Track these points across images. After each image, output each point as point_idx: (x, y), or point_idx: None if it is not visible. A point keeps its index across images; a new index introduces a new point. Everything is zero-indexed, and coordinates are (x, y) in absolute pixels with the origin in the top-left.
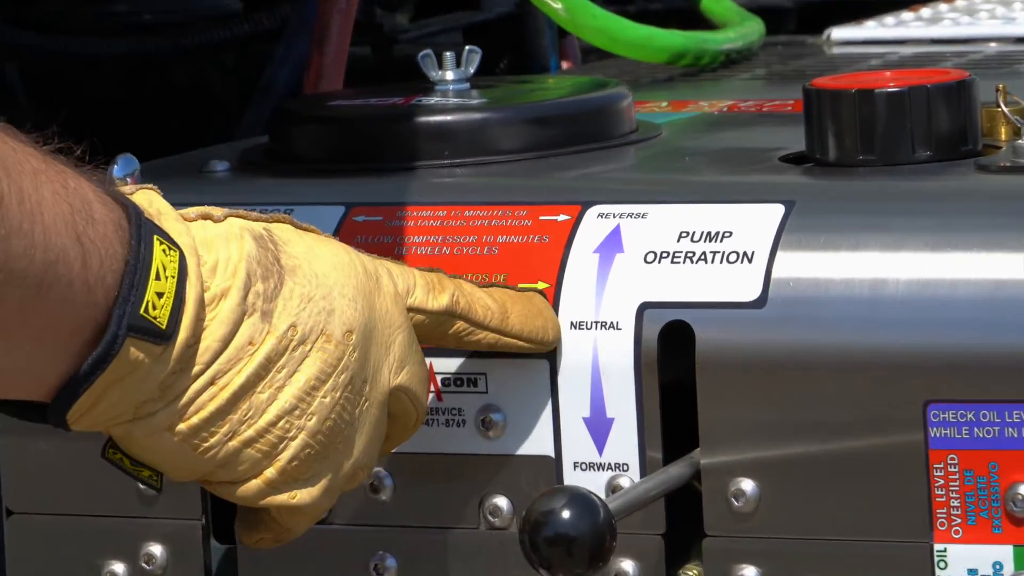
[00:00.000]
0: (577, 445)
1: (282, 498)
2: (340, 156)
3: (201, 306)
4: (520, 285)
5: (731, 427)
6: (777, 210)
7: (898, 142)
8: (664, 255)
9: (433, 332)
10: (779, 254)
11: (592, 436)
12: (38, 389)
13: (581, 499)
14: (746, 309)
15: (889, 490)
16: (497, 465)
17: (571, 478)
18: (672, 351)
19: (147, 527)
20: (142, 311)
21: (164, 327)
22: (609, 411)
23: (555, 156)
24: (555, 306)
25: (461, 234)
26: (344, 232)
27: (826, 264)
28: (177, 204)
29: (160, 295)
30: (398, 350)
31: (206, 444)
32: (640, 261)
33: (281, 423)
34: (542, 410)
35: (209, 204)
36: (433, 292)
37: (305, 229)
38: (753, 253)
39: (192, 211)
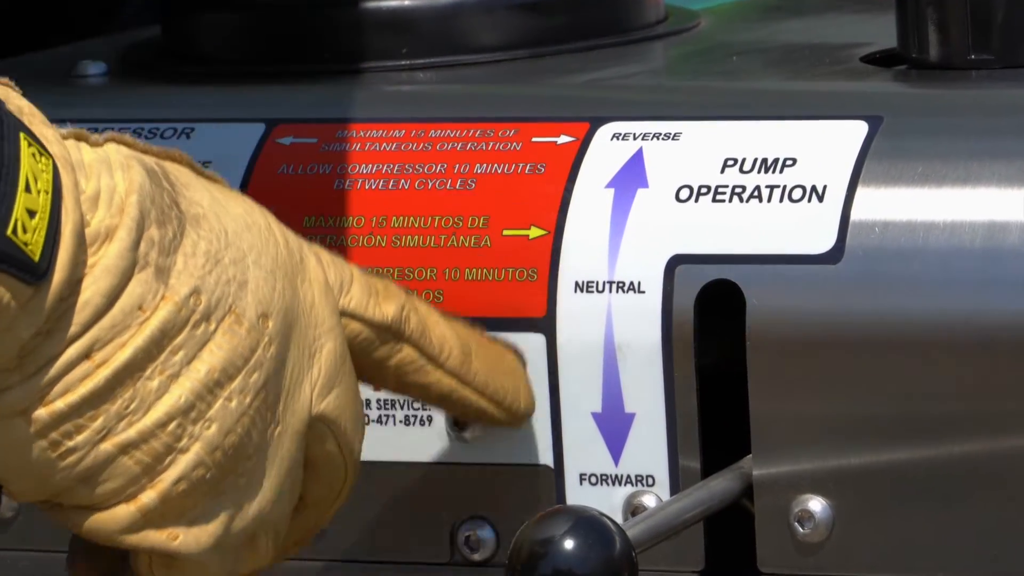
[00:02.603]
0: (584, 451)
1: (159, 537)
2: (259, 55)
3: (80, 243)
4: (498, 340)
5: (794, 426)
6: (858, 129)
7: None
8: (703, 191)
9: (368, 358)
10: (860, 190)
11: (605, 439)
12: None
13: (590, 524)
14: (815, 265)
15: (1014, 512)
16: (476, 479)
17: (576, 495)
18: (714, 322)
19: None
20: (10, 232)
21: (37, 258)
22: (628, 404)
23: (554, 55)
24: (555, 260)
25: (425, 161)
26: (265, 159)
27: (924, 203)
28: None
29: (32, 214)
30: (325, 363)
31: (70, 443)
32: (670, 199)
33: (172, 426)
34: (536, 403)
35: (78, 121)
36: (376, 298)
37: (209, 177)
38: (825, 188)
39: (60, 131)
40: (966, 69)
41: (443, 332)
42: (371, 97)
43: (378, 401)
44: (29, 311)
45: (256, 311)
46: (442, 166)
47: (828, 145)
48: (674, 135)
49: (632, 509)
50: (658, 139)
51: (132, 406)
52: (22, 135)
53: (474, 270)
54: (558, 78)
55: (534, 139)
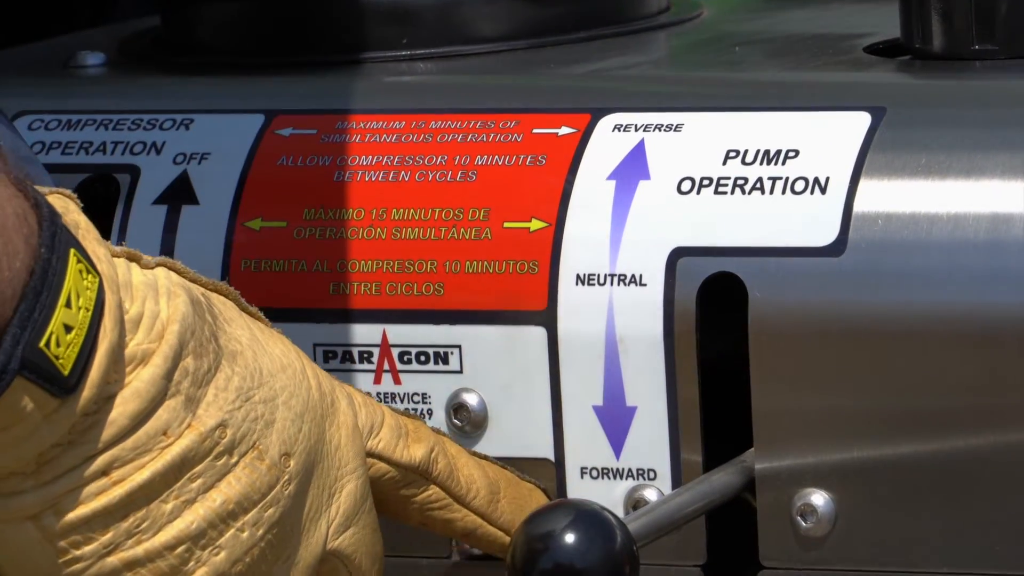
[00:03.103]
0: (585, 444)
1: None
2: (258, 46)
3: (115, 363)
4: (526, 479)
5: (796, 420)
6: (861, 120)
7: None
8: (705, 183)
9: (393, 495)
10: (863, 182)
11: (606, 432)
12: None
13: (591, 518)
14: (818, 257)
15: (1017, 506)
16: None
17: (577, 489)
18: (716, 314)
19: None
20: (43, 344)
21: (67, 373)
22: (629, 398)
23: (555, 45)
24: (556, 252)
25: (425, 153)
26: (264, 150)
27: (928, 195)
28: (36, 112)
29: (68, 329)
30: (345, 502)
31: (76, 552)
32: (672, 191)
33: (180, 549)
34: (537, 396)
35: (76, 112)
36: (405, 440)
37: (252, 315)
38: (828, 180)
39: (113, 248)
40: (970, 60)
41: (471, 472)
42: (371, 88)
43: (378, 395)
44: (52, 422)
45: (279, 450)
46: (442, 158)
47: (831, 136)
48: (676, 126)
49: (633, 503)
50: (660, 130)
51: (143, 526)
52: (72, 251)
53: (474, 262)
54: (559, 69)
55: (535, 130)
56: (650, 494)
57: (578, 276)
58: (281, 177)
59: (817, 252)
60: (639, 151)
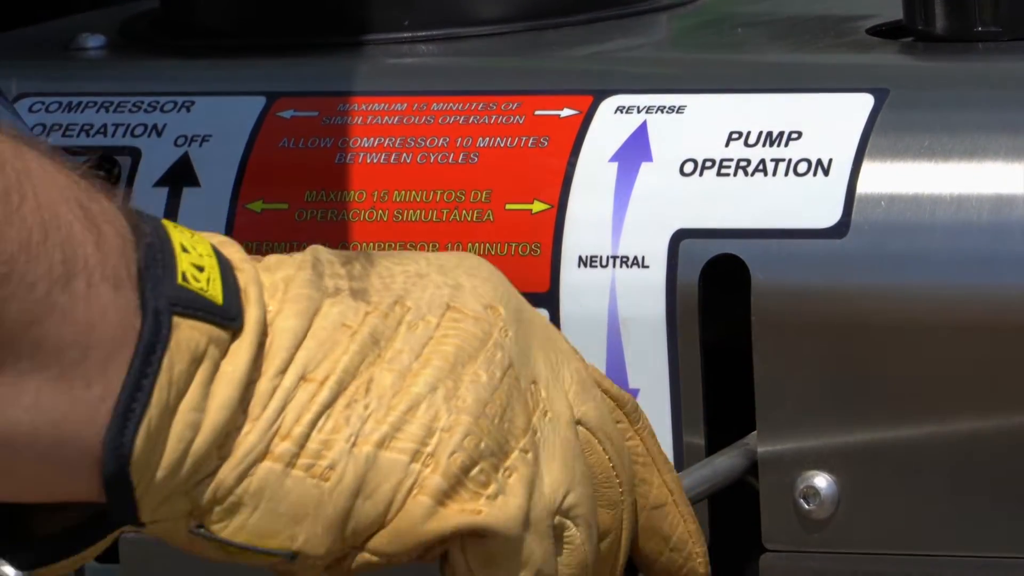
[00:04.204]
0: None
1: (461, 516)
2: (259, 28)
3: (262, 289)
4: None
5: (799, 402)
6: (864, 102)
7: None
8: (708, 165)
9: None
10: (866, 164)
11: None
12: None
13: None
14: (821, 239)
15: (1019, 489)
16: None
17: None
18: (719, 297)
19: None
20: (180, 280)
21: (221, 302)
22: (632, 380)
23: (557, 27)
24: (558, 234)
25: (427, 135)
26: (265, 132)
27: (931, 176)
28: (36, 95)
29: (199, 268)
30: (575, 376)
31: (324, 462)
32: (675, 173)
33: (422, 408)
34: None
35: (77, 94)
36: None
37: None
38: (830, 162)
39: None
40: (972, 41)
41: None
42: (372, 70)
43: None
44: (234, 354)
45: (479, 303)
46: (444, 139)
47: (834, 118)
48: (678, 108)
49: None
50: (662, 112)
51: (372, 405)
52: (165, 221)
53: (476, 244)
54: (561, 50)
55: (537, 112)
56: None
57: (580, 258)
58: (282, 159)
59: (820, 234)
60: (641, 133)
